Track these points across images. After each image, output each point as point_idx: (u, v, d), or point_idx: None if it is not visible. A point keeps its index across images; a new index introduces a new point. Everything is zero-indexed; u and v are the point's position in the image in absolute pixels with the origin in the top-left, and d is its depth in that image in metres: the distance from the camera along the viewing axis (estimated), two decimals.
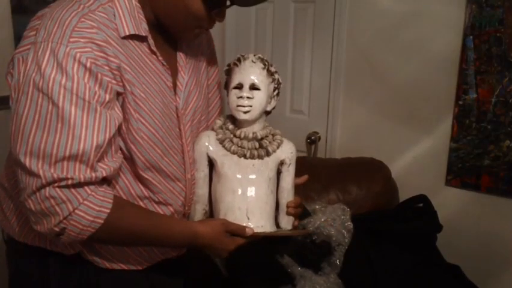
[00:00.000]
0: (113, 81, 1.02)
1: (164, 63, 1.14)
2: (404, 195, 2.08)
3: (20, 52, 1.01)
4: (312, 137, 2.39)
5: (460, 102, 1.98)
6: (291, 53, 2.42)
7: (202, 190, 1.25)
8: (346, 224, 1.82)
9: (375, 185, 2.05)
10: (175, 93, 1.18)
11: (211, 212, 1.27)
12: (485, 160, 1.95)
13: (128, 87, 1.05)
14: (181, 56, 1.20)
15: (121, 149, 1.09)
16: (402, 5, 2.09)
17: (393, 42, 2.13)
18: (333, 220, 1.79)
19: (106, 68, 1.01)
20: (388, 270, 1.79)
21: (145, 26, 1.09)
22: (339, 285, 1.71)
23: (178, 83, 1.19)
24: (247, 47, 2.54)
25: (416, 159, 2.15)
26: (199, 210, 1.25)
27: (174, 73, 1.19)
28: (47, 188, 0.96)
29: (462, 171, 2.02)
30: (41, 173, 0.95)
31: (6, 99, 1.61)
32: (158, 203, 1.17)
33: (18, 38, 1.64)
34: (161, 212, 1.17)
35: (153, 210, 1.16)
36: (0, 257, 1.30)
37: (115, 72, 1.02)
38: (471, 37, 1.92)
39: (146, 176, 1.13)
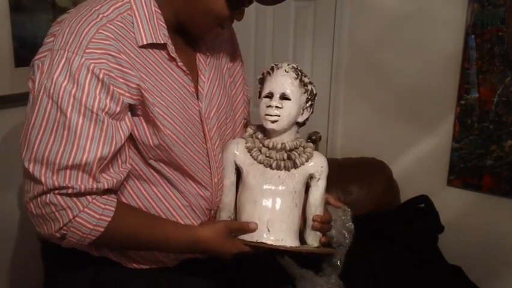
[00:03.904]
0: (127, 94, 1.03)
1: (184, 69, 1.13)
2: (405, 195, 2.07)
3: (39, 58, 1.02)
4: (313, 137, 2.38)
5: (462, 102, 1.97)
6: (292, 52, 2.40)
7: (227, 198, 1.23)
8: (347, 225, 1.81)
9: (376, 186, 2.04)
10: (198, 97, 1.17)
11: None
12: (488, 160, 1.94)
13: (147, 96, 1.05)
14: (200, 58, 1.20)
15: (150, 150, 1.09)
16: (403, 4, 2.08)
17: (394, 41, 2.12)
18: (333, 221, 1.74)
19: (121, 80, 1.01)
20: (389, 271, 1.78)
21: (164, 31, 1.08)
22: (340, 286, 1.71)
23: (199, 87, 1.18)
24: (247, 46, 2.52)
25: (418, 159, 2.13)
26: (224, 218, 1.24)
27: (196, 76, 1.18)
28: (48, 195, 0.97)
29: (464, 171, 2.00)
30: (43, 179, 0.97)
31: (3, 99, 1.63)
32: (183, 204, 1.16)
33: (16, 37, 1.63)
34: (186, 214, 1.16)
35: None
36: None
37: (131, 84, 1.03)
38: (473, 36, 1.91)
39: (172, 175, 1.13)
